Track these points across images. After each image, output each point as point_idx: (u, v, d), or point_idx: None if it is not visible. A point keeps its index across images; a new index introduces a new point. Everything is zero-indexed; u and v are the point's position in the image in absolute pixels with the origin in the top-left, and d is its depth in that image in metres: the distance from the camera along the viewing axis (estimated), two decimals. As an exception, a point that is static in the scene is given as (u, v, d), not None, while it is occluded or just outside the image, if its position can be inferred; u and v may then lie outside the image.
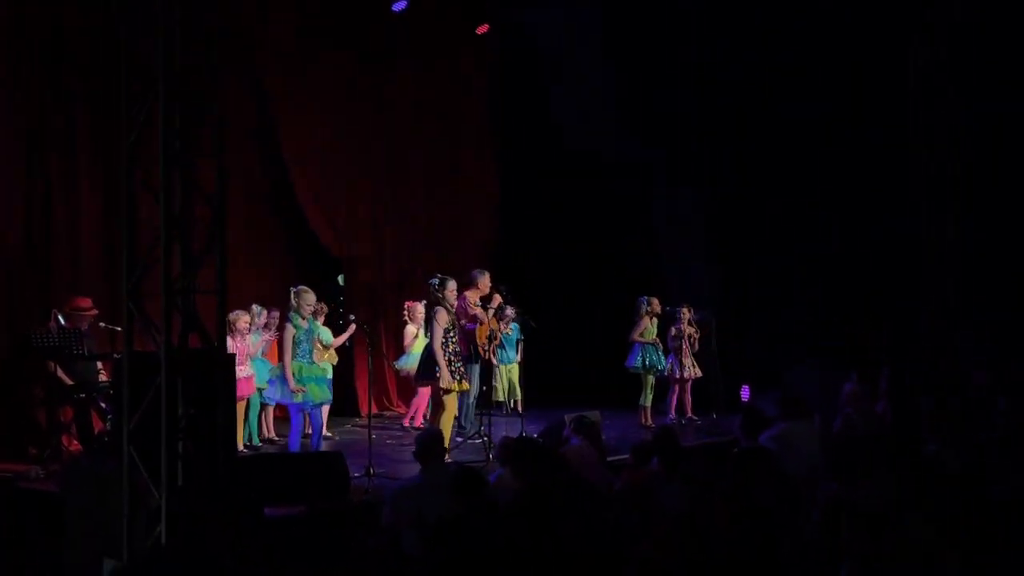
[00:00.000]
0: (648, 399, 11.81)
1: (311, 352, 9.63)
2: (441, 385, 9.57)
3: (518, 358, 11.95)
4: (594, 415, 8.75)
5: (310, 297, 9.64)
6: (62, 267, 10.32)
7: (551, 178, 14.10)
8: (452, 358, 9.67)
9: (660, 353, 11.87)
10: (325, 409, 10.22)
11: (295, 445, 9.59)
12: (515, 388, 12.04)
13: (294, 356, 9.44)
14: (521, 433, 10.11)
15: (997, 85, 12.06)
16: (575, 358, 13.34)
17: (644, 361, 11.76)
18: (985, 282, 12.27)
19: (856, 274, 12.74)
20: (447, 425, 9.61)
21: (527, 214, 14.35)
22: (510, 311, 11.75)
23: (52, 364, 9.31)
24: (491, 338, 11.09)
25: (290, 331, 9.42)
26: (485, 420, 10.17)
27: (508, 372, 11.94)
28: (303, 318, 9.55)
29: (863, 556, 5.10)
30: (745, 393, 12.12)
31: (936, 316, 12.71)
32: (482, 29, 13.53)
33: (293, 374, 9.41)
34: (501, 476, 7.03)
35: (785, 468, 7.09)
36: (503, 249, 14.20)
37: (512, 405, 12.06)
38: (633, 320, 11.87)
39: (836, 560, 5.20)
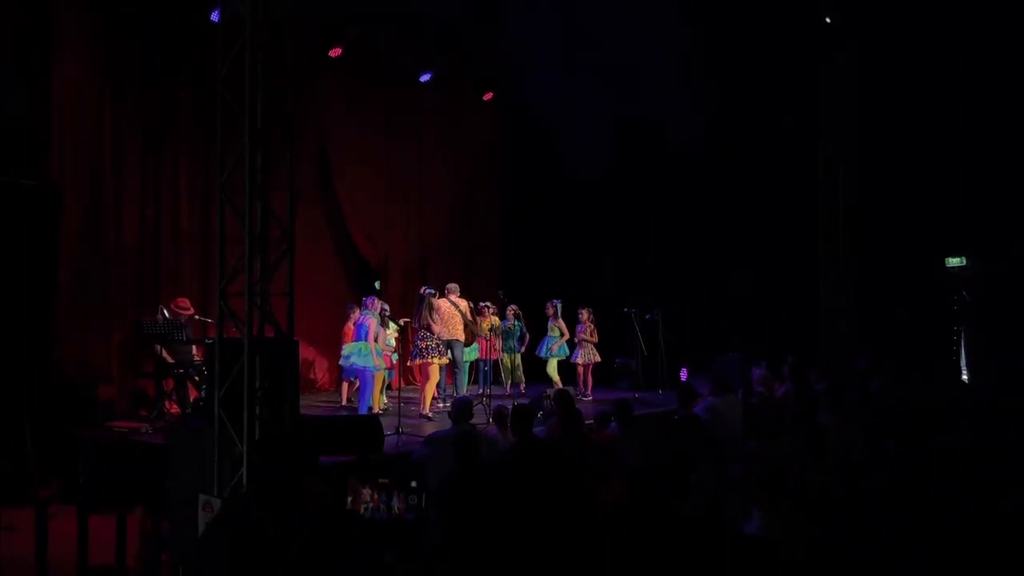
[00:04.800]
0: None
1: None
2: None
3: (522, 349, 12.14)
4: (567, 390, 8.81)
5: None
6: (167, 273, 10.46)
7: (546, 205, 14.34)
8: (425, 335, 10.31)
9: (553, 344, 12.01)
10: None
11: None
12: (517, 371, 12.16)
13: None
14: (514, 403, 10.15)
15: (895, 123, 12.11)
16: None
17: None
18: (871, 292, 12.43)
19: (771, 286, 12.87)
20: (431, 390, 10.35)
21: (525, 236, 14.58)
22: (512, 311, 11.91)
23: (158, 347, 9.38)
24: (491, 329, 11.30)
25: (376, 323, 10.18)
26: (487, 392, 10.42)
27: (512, 359, 12.07)
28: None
29: (771, 499, 5.16)
30: (683, 374, 12.15)
31: (830, 318, 12.84)
32: (487, 96, 13.94)
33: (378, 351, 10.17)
34: (496, 435, 7.16)
35: (715, 432, 7.18)
36: (504, 262, 14.45)
37: (513, 384, 12.15)
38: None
39: (752, 503, 5.26)
